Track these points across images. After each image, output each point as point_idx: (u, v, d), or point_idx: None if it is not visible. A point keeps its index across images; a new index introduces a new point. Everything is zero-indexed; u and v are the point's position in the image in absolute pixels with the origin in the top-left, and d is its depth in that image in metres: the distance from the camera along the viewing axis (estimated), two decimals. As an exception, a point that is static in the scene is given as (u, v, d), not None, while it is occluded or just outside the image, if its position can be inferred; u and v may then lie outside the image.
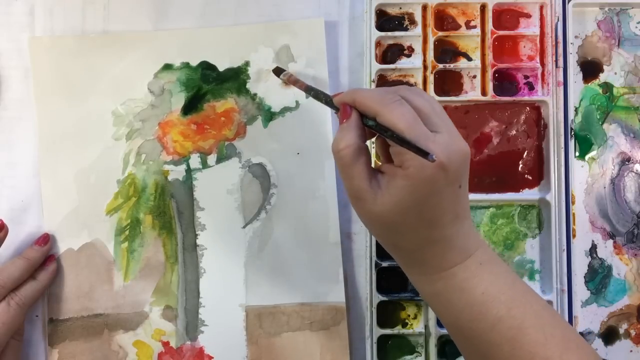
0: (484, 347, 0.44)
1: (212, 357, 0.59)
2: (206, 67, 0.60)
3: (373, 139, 0.52)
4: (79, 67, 0.60)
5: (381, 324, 0.59)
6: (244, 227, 0.60)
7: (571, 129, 0.60)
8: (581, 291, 0.60)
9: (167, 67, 0.60)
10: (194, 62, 0.60)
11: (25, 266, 0.56)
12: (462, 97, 0.60)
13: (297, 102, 0.60)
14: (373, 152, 0.58)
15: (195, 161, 0.60)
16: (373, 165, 0.46)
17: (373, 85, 0.59)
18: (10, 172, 0.60)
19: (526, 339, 0.42)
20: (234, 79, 0.60)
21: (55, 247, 0.59)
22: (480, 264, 0.44)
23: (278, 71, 0.58)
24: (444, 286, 0.45)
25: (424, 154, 0.39)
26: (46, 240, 0.58)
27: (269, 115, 0.60)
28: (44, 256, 0.58)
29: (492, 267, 0.45)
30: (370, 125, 0.43)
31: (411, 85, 0.61)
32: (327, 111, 0.59)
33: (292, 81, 0.55)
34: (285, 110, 0.60)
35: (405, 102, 0.42)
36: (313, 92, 0.51)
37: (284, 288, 0.60)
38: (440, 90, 0.61)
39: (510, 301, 0.43)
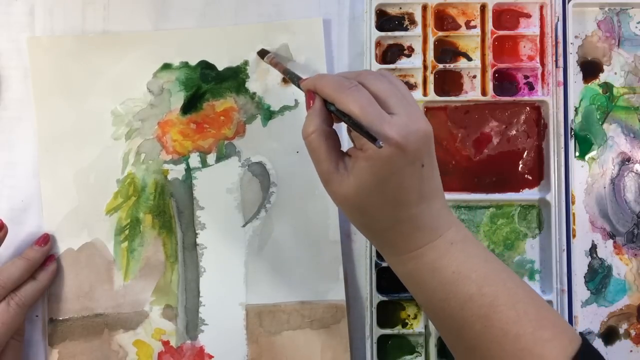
0: (457, 325, 0.44)
1: (213, 356, 0.59)
2: (205, 67, 0.60)
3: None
4: (78, 67, 0.60)
5: (381, 324, 0.58)
6: (243, 225, 0.59)
7: (571, 129, 0.59)
8: (581, 291, 0.60)
9: (166, 66, 0.60)
10: (193, 62, 0.60)
11: (26, 266, 0.56)
12: (462, 97, 0.60)
13: (296, 100, 0.60)
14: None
15: (194, 160, 0.60)
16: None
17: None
18: (10, 172, 0.60)
19: (497, 317, 0.42)
20: (233, 78, 0.60)
21: (55, 247, 0.59)
22: (451, 244, 0.44)
23: (262, 53, 0.59)
24: (415, 266, 0.45)
25: (373, 139, 0.40)
26: (46, 240, 0.58)
27: (268, 114, 0.60)
28: (44, 256, 0.58)
29: (464, 246, 0.45)
30: (332, 111, 0.44)
31: (411, 84, 0.60)
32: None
33: (273, 63, 0.56)
34: (285, 109, 0.60)
35: (361, 87, 0.43)
36: (289, 75, 0.52)
37: (284, 286, 0.59)
38: (440, 90, 0.60)
39: (481, 279, 0.43)
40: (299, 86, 0.49)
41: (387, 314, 0.59)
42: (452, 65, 0.60)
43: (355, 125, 0.41)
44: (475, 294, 0.43)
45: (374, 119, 0.41)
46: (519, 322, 0.42)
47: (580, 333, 0.57)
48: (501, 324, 0.42)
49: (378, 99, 0.42)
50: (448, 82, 0.61)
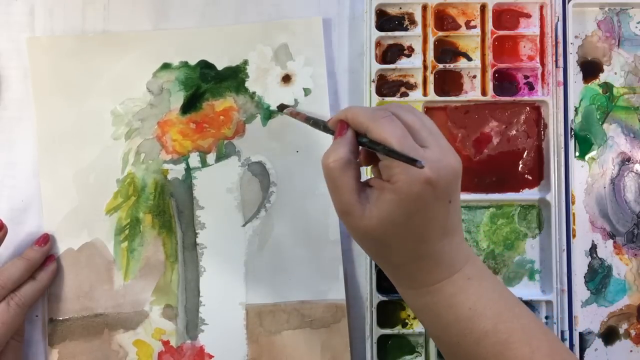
0: None
1: (213, 356, 0.58)
2: (205, 66, 0.59)
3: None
4: (77, 67, 0.59)
5: (381, 324, 0.57)
6: (243, 225, 0.59)
7: (571, 129, 0.58)
8: (581, 291, 0.59)
9: (166, 66, 0.59)
10: (193, 61, 0.59)
11: (25, 267, 0.55)
12: (462, 97, 0.59)
13: (295, 100, 0.59)
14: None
15: (194, 160, 0.59)
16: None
17: (373, 86, 0.58)
18: (10, 172, 0.59)
19: (512, 354, 0.41)
20: (233, 78, 0.59)
21: (55, 247, 0.58)
22: (468, 279, 0.43)
23: (282, 107, 0.58)
24: (432, 301, 0.43)
25: (412, 160, 0.38)
26: (46, 240, 0.57)
27: (268, 114, 0.59)
28: (44, 256, 0.57)
29: (480, 282, 0.43)
30: (363, 142, 0.42)
31: (411, 85, 0.59)
32: (326, 109, 0.58)
33: (293, 114, 0.54)
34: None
35: (395, 118, 0.41)
36: (312, 121, 0.50)
37: (284, 286, 0.58)
38: (440, 90, 0.59)
39: (496, 316, 0.42)
40: (325, 128, 0.47)
41: (387, 314, 0.58)
42: (452, 65, 0.59)
43: (390, 152, 0.40)
44: (490, 330, 0.42)
45: (410, 151, 0.39)
46: (533, 359, 0.41)
47: (581, 333, 0.58)
48: None
49: (410, 130, 0.41)
50: (448, 82, 0.60)
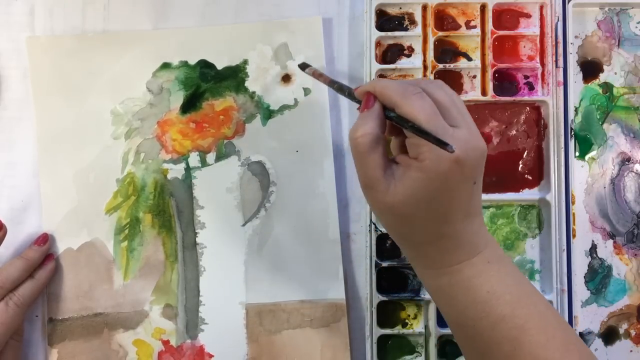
0: (485, 345, 0.42)
1: (213, 356, 0.58)
2: (204, 66, 0.59)
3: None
4: (77, 66, 0.58)
5: (381, 324, 0.57)
6: (243, 225, 0.58)
7: (571, 129, 0.58)
8: (581, 291, 0.58)
9: (166, 65, 0.59)
10: (193, 61, 0.59)
11: (24, 266, 0.54)
12: (462, 97, 0.58)
13: (295, 100, 0.58)
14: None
15: (194, 160, 0.58)
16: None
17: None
18: (10, 172, 0.58)
19: (527, 340, 0.41)
20: (233, 78, 0.59)
21: (54, 246, 0.58)
22: (488, 262, 0.42)
23: (304, 66, 0.55)
24: (449, 282, 0.43)
25: (443, 144, 0.37)
26: (45, 240, 0.57)
27: (268, 113, 0.59)
28: (43, 256, 0.56)
29: (499, 266, 0.43)
30: (391, 117, 0.41)
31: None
32: (326, 108, 0.58)
33: (316, 75, 0.53)
34: (284, 108, 0.58)
35: (425, 95, 0.41)
36: (336, 85, 0.49)
37: (284, 285, 0.58)
38: None
39: (515, 301, 0.42)
40: (350, 95, 0.46)
41: (387, 314, 0.58)
42: (452, 65, 0.59)
43: (420, 131, 0.39)
44: (507, 315, 0.41)
45: (439, 129, 0.39)
46: (548, 347, 0.41)
47: (581, 333, 0.58)
48: (531, 347, 0.41)
49: (440, 108, 0.41)
50: (448, 82, 0.56)
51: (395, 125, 0.43)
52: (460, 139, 0.39)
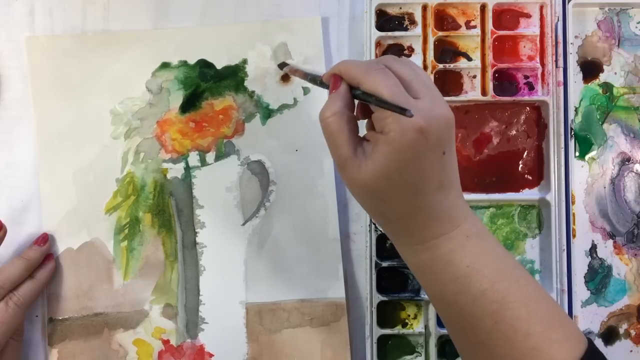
0: (467, 320, 0.41)
1: (213, 355, 0.57)
2: (204, 65, 0.58)
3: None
4: (76, 66, 0.58)
5: (381, 324, 0.56)
6: (243, 224, 0.57)
7: (571, 129, 0.57)
8: (581, 291, 0.58)
9: (165, 65, 0.58)
10: (192, 60, 0.58)
11: (25, 266, 0.54)
12: (462, 97, 0.58)
13: (295, 99, 0.58)
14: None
15: (193, 159, 0.58)
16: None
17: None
18: (10, 172, 0.58)
19: (508, 314, 0.40)
20: (232, 77, 0.58)
21: (54, 246, 0.57)
22: (467, 237, 0.42)
23: (283, 65, 0.57)
24: (429, 257, 0.42)
25: (401, 110, 0.38)
26: (45, 240, 0.56)
27: (267, 113, 0.58)
28: (43, 256, 0.55)
29: (479, 240, 0.42)
30: (357, 94, 0.42)
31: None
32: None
33: (293, 72, 0.54)
34: (284, 107, 0.58)
35: (387, 70, 0.41)
36: (310, 77, 0.50)
37: (284, 285, 0.57)
38: (440, 90, 0.56)
39: (494, 275, 0.41)
40: (322, 83, 0.46)
41: (387, 314, 0.57)
42: (452, 65, 0.58)
43: (382, 102, 0.39)
44: (487, 289, 0.41)
45: (400, 101, 0.39)
46: (530, 321, 0.40)
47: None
48: (512, 321, 0.40)
49: (403, 82, 0.41)
50: (448, 82, 0.58)
51: (366, 107, 0.43)
52: (422, 108, 0.39)
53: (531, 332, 0.40)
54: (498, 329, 0.40)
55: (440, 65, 0.57)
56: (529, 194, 0.58)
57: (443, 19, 0.58)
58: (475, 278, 0.41)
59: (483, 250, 0.42)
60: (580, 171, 0.58)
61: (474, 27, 0.58)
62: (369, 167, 0.40)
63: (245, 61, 0.58)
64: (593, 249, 0.58)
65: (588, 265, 0.58)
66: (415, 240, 0.42)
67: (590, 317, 0.57)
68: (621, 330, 0.58)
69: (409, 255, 0.44)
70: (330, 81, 0.43)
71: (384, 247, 0.57)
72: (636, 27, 0.59)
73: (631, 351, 0.58)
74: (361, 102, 0.44)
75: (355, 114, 0.43)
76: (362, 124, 0.44)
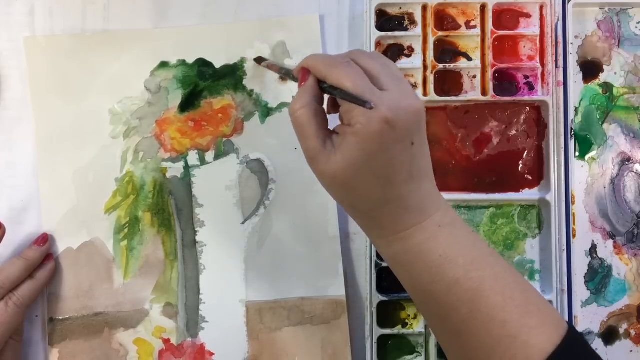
0: (443, 310, 0.41)
1: (213, 354, 0.56)
2: (202, 64, 0.57)
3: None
4: (75, 66, 0.56)
5: (381, 324, 0.55)
6: (243, 223, 0.56)
7: (571, 129, 0.55)
8: (581, 291, 0.56)
9: (164, 64, 0.57)
10: (190, 60, 0.57)
11: (24, 266, 0.52)
12: (462, 97, 0.56)
13: (293, 97, 0.55)
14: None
15: (193, 158, 0.56)
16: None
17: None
18: (10, 172, 0.56)
19: (484, 302, 0.39)
20: (231, 76, 0.57)
21: (54, 246, 0.55)
22: (439, 226, 0.41)
23: (259, 60, 0.56)
24: (402, 248, 0.41)
25: (362, 102, 0.38)
26: (45, 240, 0.55)
27: (266, 111, 0.57)
28: (43, 256, 0.54)
29: (452, 229, 0.41)
30: (324, 88, 0.42)
31: (411, 84, 0.56)
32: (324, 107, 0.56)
33: (270, 67, 0.54)
34: (282, 105, 0.57)
35: (353, 63, 0.41)
36: (284, 71, 0.50)
37: (284, 283, 0.56)
38: (440, 90, 0.56)
39: (468, 264, 0.40)
40: (293, 77, 0.46)
41: (387, 314, 0.56)
42: (452, 65, 0.56)
43: (345, 95, 0.39)
44: (461, 278, 0.40)
45: (365, 93, 0.39)
46: (506, 308, 0.39)
47: (581, 334, 0.55)
48: (487, 309, 0.39)
49: (369, 75, 0.40)
50: (448, 82, 0.57)
51: (335, 101, 0.42)
52: (389, 99, 0.39)
53: (507, 319, 0.39)
54: (474, 318, 0.39)
55: (440, 65, 0.56)
56: (529, 194, 0.56)
57: (443, 19, 0.57)
58: (449, 267, 0.40)
59: (456, 239, 0.41)
60: (580, 171, 0.57)
61: (474, 27, 0.57)
62: (338, 159, 0.40)
63: (243, 60, 0.57)
64: (593, 249, 0.57)
65: (588, 265, 0.57)
66: (387, 232, 0.42)
67: (590, 317, 0.56)
68: (621, 330, 0.57)
69: (383, 248, 0.43)
70: (299, 75, 0.43)
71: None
72: (636, 27, 0.58)
73: (631, 351, 0.56)
74: (331, 97, 0.44)
75: (325, 108, 0.43)
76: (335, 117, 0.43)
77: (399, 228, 0.41)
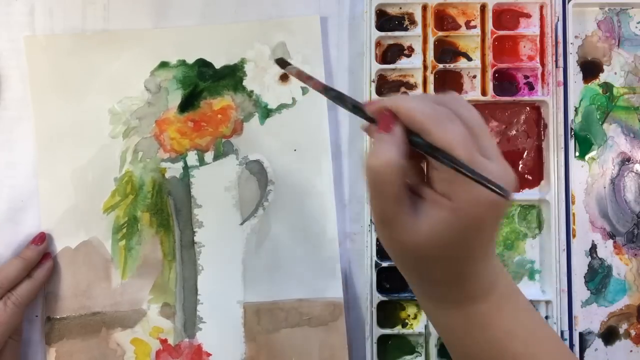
0: None
1: (211, 354, 0.55)
2: (202, 65, 0.56)
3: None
4: (75, 65, 0.56)
5: (381, 324, 0.55)
6: (241, 224, 0.56)
7: (571, 129, 0.55)
8: (581, 291, 0.56)
9: (164, 64, 0.56)
10: (191, 60, 0.56)
11: (22, 266, 0.52)
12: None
13: (293, 98, 0.56)
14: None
15: (192, 158, 0.56)
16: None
17: (373, 86, 0.55)
18: (10, 172, 0.56)
19: None
20: (231, 76, 0.56)
21: (52, 245, 0.55)
22: (503, 298, 0.38)
23: (282, 63, 0.43)
24: (464, 321, 0.38)
25: (498, 189, 0.30)
26: (42, 239, 0.54)
27: (266, 112, 0.56)
28: (41, 255, 0.54)
29: (514, 300, 0.38)
30: (418, 144, 0.33)
31: (411, 85, 0.56)
32: (324, 107, 0.56)
33: (303, 78, 0.40)
34: (282, 107, 0.56)
35: (457, 119, 0.33)
36: (334, 94, 0.38)
37: (282, 284, 0.56)
38: (440, 90, 0.56)
39: (528, 337, 0.38)
40: (356, 109, 0.36)
41: (387, 314, 0.55)
42: (452, 65, 0.56)
43: (459, 166, 0.31)
44: (521, 353, 0.37)
45: (476, 165, 0.32)
46: None
47: (580, 333, 0.55)
48: None
49: (472, 135, 0.33)
50: (448, 82, 0.57)
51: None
52: (497, 175, 0.32)
53: None
54: None
55: (440, 65, 0.56)
56: (529, 194, 0.56)
57: (443, 19, 0.57)
58: (512, 342, 0.37)
59: (517, 312, 0.38)
60: (580, 171, 0.57)
61: (474, 27, 0.57)
62: (423, 230, 0.34)
63: (243, 61, 0.56)
64: (593, 249, 0.57)
65: (588, 265, 0.56)
66: (451, 305, 0.38)
67: (590, 317, 0.56)
68: (621, 330, 0.56)
69: (439, 318, 0.40)
70: (378, 117, 0.35)
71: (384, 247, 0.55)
72: (636, 27, 0.58)
73: (631, 351, 0.56)
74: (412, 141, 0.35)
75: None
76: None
77: (465, 301, 0.37)
